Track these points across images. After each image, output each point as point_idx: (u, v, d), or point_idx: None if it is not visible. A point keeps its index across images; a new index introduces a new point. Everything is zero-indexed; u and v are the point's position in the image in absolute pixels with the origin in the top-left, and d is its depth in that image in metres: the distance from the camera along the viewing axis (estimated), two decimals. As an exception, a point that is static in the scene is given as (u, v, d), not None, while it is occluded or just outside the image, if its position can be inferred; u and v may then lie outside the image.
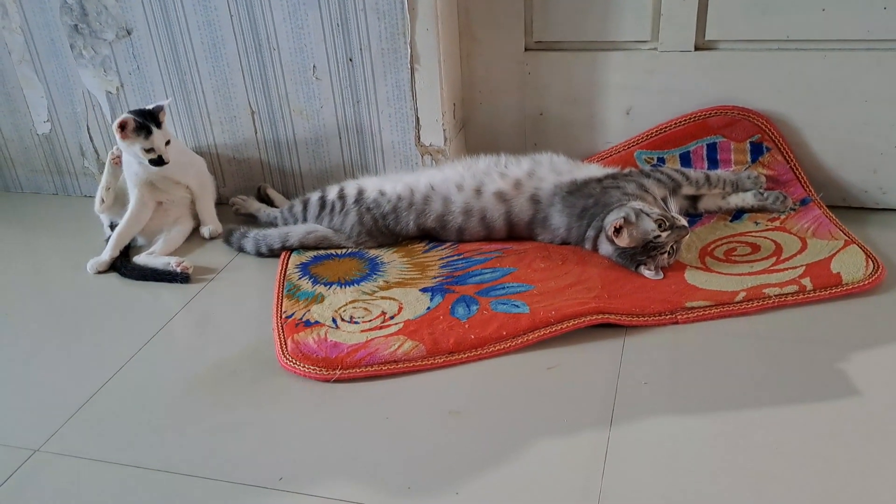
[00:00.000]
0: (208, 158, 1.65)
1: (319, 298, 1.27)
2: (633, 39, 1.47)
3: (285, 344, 1.15)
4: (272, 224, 1.53)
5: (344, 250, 1.43)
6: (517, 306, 1.20)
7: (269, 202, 1.62)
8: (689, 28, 1.42)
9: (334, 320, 1.20)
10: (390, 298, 1.26)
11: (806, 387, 1.01)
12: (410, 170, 1.54)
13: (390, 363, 1.09)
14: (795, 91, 1.42)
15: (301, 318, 1.21)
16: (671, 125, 1.49)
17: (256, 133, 1.61)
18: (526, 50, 1.53)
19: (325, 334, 1.16)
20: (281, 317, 1.22)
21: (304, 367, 1.09)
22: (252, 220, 1.57)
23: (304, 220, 1.48)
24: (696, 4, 1.39)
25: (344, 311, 1.23)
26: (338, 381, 1.08)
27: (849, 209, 1.47)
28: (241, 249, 1.47)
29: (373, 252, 1.42)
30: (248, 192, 1.67)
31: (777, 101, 1.43)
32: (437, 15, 1.39)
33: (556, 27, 1.50)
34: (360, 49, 1.45)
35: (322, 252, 1.43)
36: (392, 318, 1.20)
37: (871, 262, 1.23)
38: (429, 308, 1.22)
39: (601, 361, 1.09)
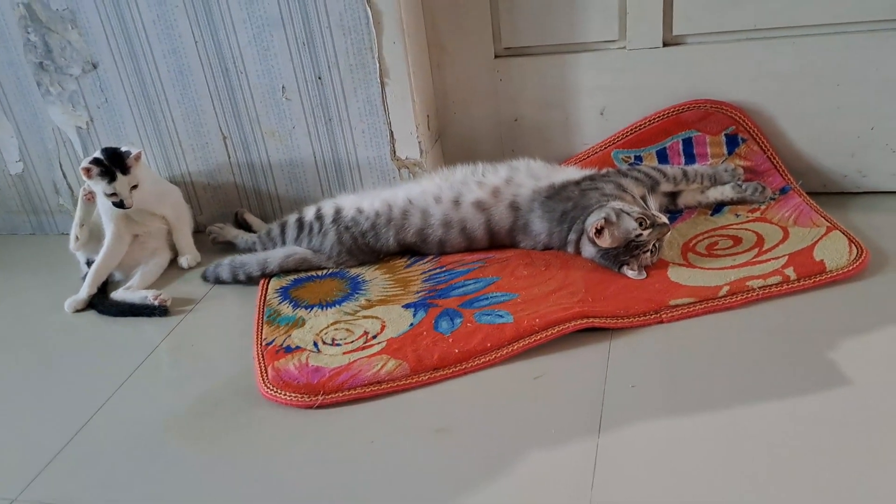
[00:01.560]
0: (183, 187, 1.63)
1: (300, 322, 1.25)
2: (601, 40, 1.46)
3: (266, 372, 1.12)
4: (251, 249, 1.51)
5: (325, 271, 1.41)
6: (501, 316, 1.18)
7: (247, 228, 1.60)
8: (656, 25, 1.41)
9: (315, 344, 1.18)
10: (373, 317, 1.23)
11: (796, 379, 0.99)
12: (388, 185, 1.52)
13: (373, 384, 1.07)
14: (767, 80, 1.41)
15: (282, 345, 1.19)
16: (646, 123, 1.48)
17: (230, 158, 1.59)
18: (496, 57, 1.52)
19: (307, 359, 1.13)
20: (261, 344, 1.20)
21: (285, 394, 1.07)
22: (231, 248, 1.55)
23: (283, 243, 1.46)
24: (661, 1, 1.38)
25: (325, 333, 1.21)
26: (321, 406, 1.06)
27: (830, 195, 1.46)
28: (218, 280, 1.44)
29: (354, 271, 1.40)
30: (225, 218, 1.65)
31: (749, 92, 1.42)
32: (404, 28, 1.38)
33: (524, 32, 1.49)
34: (329, 67, 1.44)
35: (302, 274, 1.41)
36: (375, 337, 1.18)
37: (854, 247, 1.21)
38: (412, 324, 1.19)
39: (588, 367, 1.07)
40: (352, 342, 1.17)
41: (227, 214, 1.65)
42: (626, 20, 1.42)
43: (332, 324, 1.23)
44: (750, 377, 1.01)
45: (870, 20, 1.33)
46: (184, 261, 1.53)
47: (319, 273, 1.41)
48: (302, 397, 1.06)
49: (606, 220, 1.24)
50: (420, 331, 1.17)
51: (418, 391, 1.07)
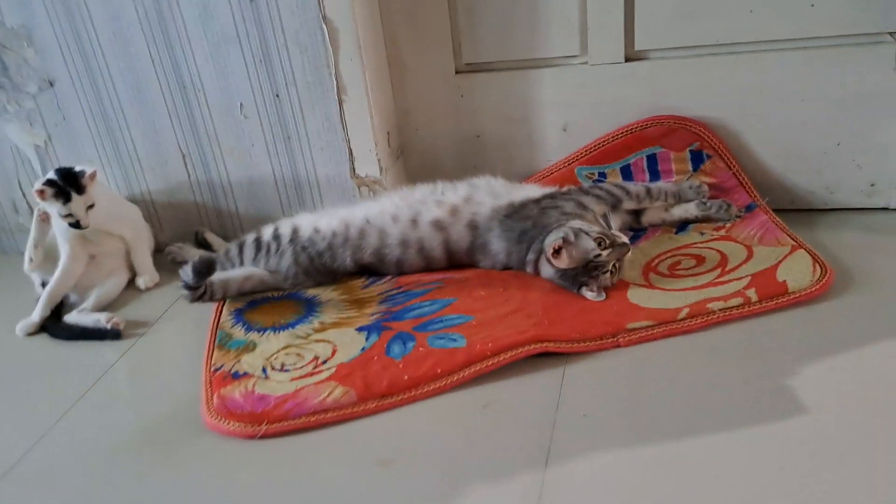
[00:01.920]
0: (143, 206, 1.60)
1: (251, 347, 1.21)
2: (562, 55, 1.44)
3: (211, 400, 1.09)
4: (210, 270, 1.48)
5: (281, 292, 1.38)
6: (454, 340, 1.15)
7: (207, 247, 1.57)
8: (618, 39, 1.39)
9: (264, 370, 1.15)
10: (325, 341, 1.20)
11: (753, 407, 0.96)
12: (349, 203, 1.50)
13: (319, 413, 1.04)
14: (731, 95, 1.39)
15: (230, 370, 1.15)
16: (609, 139, 1.45)
17: (189, 176, 1.57)
18: (457, 73, 1.50)
19: (253, 386, 1.10)
20: (210, 370, 1.17)
21: (229, 424, 1.04)
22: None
23: (241, 263, 1.43)
24: (622, 15, 1.37)
25: (276, 358, 1.17)
26: (264, 436, 1.02)
27: (797, 212, 1.44)
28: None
29: (311, 292, 1.37)
30: (187, 237, 1.62)
31: (713, 107, 1.40)
32: (361, 44, 1.36)
33: (485, 48, 1.47)
34: (286, 84, 1.42)
35: (259, 296, 1.38)
36: (325, 362, 1.15)
37: (818, 267, 1.19)
38: (363, 348, 1.17)
39: (540, 394, 1.04)
40: (301, 368, 1.14)
41: (188, 233, 1.62)
42: (588, 35, 1.40)
43: (282, 348, 1.20)
44: (705, 405, 0.97)
45: (830, 35, 1.31)
46: (141, 281, 1.50)
47: (275, 294, 1.38)
48: (246, 427, 1.03)
49: (565, 239, 1.21)
50: (371, 355, 1.14)
51: (365, 420, 1.04)
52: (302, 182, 1.52)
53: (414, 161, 1.59)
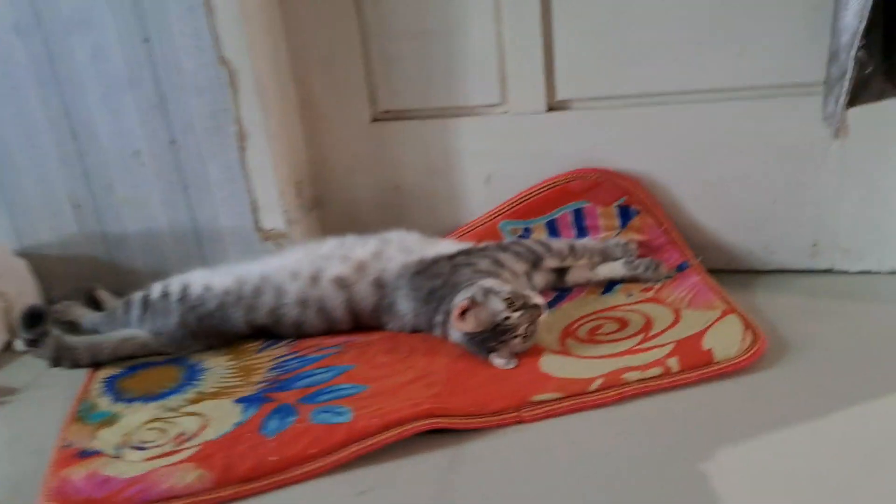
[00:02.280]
0: (33, 260, 1.47)
1: (113, 420, 1.07)
2: (483, 104, 1.35)
3: (51, 482, 0.95)
4: (96, 331, 1.34)
5: (165, 357, 1.25)
6: (340, 414, 1.01)
7: (98, 305, 1.44)
8: (538, 88, 1.31)
9: (119, 448, 1.00)
10: (196, 414, 1.07)
11: (660, 497, 0.83)
12: (255, 259, 1.38)
13: (168, 500, 0.90)
14: (660, 147, 1.30)
15: (82, 448, 1.01)
16: (533, 192, 1.36)
17: (83, 228, 1.45)
18: (374, 120, 1.41)
19: (101, 467, 0.96)
20: (60, 447, 1.03)
21: (61, 512, 0.90)
22: (77, 330, 1.39)
23: (128, 323, 1.30)
24: (541, 62, 1.29)
25: (136, 434, 1.03)
26: (98, 529, 0.88)
27: (735, 273, 1.34)
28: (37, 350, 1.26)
29: (196, 357, 1.24)
30: (81, 295, 1.49)
31: (642, 160, 1.31)
32: (263, 87, 1.27)
33: (403, 94, 1.39)
34: (184, 130, 1.32)
35: (139, 361, 1.25)
36: (189, 439, 1.01)
37: (749, 334, 1.07)
38: (237, 423, 1.03)
39: (426, 479, 0.91)
40: (160, 446, 1.00)
41: (83, 291, 1.49)
42: (507, 83, 1.32)
43: (147, 422, 1.06)
44: (609, 493, 0.84)
45: (756, 86, 1.24)
46: (19, 343, 1.36)
47: (159, 359, 1.25)
48: (79, 517, 0.89)
49: (472, 300, 1.10)
50: (242, 432, 1.00)
51: (221, 509, 0.90)
52: (203, 235, 1.40)
53: (332, 214, 1.49)
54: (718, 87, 1.25)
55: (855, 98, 1.03)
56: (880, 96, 1.05)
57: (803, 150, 1.24)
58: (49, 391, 1.23)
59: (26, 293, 1.41)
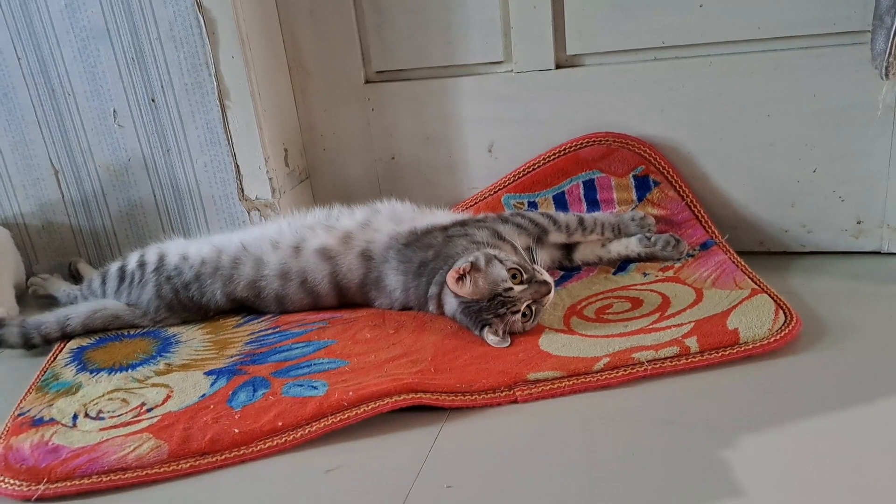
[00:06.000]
0: (15, 232, 1.48)
1: (74, 389, 1.06)
2: (484, 61, 1.32)
3: (-3, 451, 0.93)
4: (73, 304, 1.34)
5: (139, 329, 1.24)
6: (314, 388, 0.98)
7: (79, 279, 1.44)
8: (547, 42, 1.26)
9: (75, 416, 0.99)
10: (162, 385, 1.05)
11: (675, 487, 0.78)
12: (239, 229, 1.36)
13: (115, 472, 0.87)
14: (682, 109, 1.24)
15: (35, 416, 1.00)
16: (540, 162, 1.31)
17: (63, 196, 1.45)
18: (366, 82, 1.38)
19: (51, 436, 0.94)
20: (14, 415, 1.01)
21: (3, 480, 0.88)
22: (56, 303, 1.38)
23: (104, 295, 1.29)
24: (549, 12, 1.24)
25: (95, 403, 1.02)
26: (41, 498, 0.86)
27: (768, 255, 1.27)
28: (3, 345, 1.25)
29: (172, 329, 1.22)
30: (63, 268, 1.49)
31: (660, 124, 1.26)
32: (244, 38, 1.25)
33: (397, 53, 1.35)
34: (162, 86, 1.31)
35: (112, 333, 1.23)
36: (150, 410, 0.98)
37: (781, 314, 1.01)
38: (203, 395, 1.00)
39: (401, 458, 0.87)
40: (119, 416, 0.98)
41: (65, 264, 1.49)
42: (511, 37, 1.28)
43: (108, 392, 1.04)
44: (615, 483, 0.79)
45: (803, 34, 1.16)
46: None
47: (132, 332, 1.23)
48: (21, 485, 0.86)
49: (473, 264, 1.06)
50: (207, 404, 0.98)
51: (176, 483, 0.87)
52: (185, 204, 1.39)
53: (324, 185, 1.46)
54: (749, 37, 1.19)
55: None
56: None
57: (848, 112, 1.17)
58: (18, 362, 1.23)
59: (4, 264, 1.41)
